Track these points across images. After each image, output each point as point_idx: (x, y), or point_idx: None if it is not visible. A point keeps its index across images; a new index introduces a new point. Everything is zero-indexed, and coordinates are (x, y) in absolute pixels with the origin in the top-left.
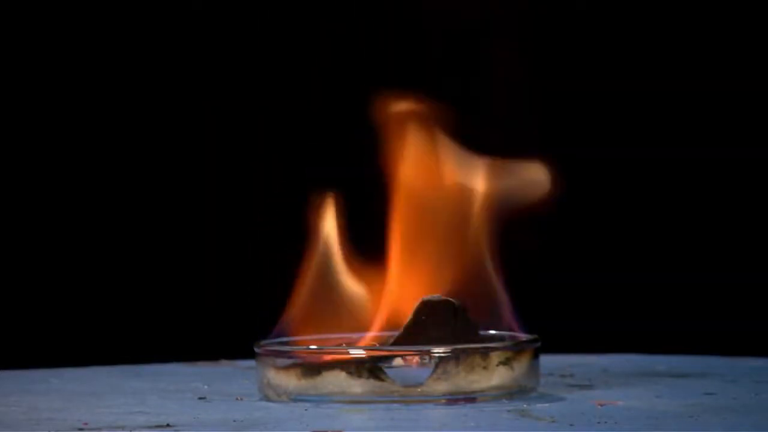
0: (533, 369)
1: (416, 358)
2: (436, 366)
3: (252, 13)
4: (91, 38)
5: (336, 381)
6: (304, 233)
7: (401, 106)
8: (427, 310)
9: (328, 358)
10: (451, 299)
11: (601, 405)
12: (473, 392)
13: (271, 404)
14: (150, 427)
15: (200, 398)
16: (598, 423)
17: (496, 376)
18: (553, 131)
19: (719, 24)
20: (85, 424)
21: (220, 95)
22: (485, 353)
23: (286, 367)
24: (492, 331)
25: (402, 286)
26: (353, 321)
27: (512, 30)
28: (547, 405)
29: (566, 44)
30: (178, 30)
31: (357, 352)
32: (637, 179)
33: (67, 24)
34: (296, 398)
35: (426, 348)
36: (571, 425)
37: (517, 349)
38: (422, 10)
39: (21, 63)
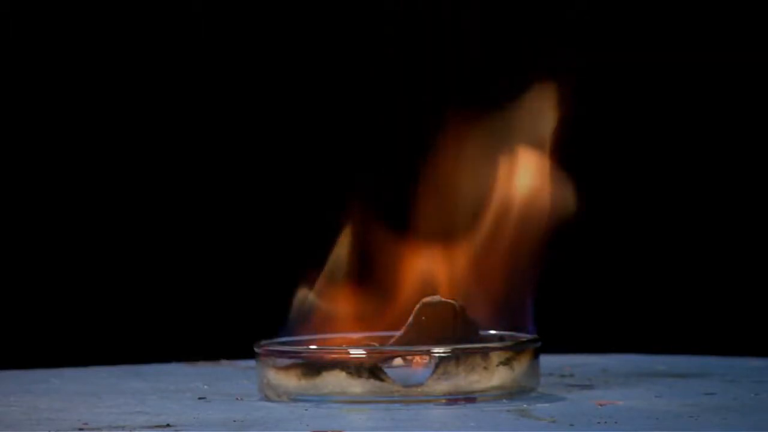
0: (533, 369)
1: (416, 359)
2: (437, 366)
3: (251, 13)
4: (91, 38)
5: (336, 381)
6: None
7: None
8: (427, 310)
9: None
10: (451, 300)
11: (601, 405)
12: (473, 392)
13: (271, 404)
14: (150, 427)
15: (200, 398)
16: (598, 423)
17: (496, 376)
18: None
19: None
20: (85, 424)
21: (221, 95)
22: (485, 353)
23: (286, 367)
24: (492, 331)
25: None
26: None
27: None
28: (547, 405)
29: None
30: (178, 30)
31: (357, 352)
32: (635, 179)
33: (67, 24)
34: (296, 398)
35: (426, 348)
36: (571, 425)
37: (517, 349)
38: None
39: (21, 64)
